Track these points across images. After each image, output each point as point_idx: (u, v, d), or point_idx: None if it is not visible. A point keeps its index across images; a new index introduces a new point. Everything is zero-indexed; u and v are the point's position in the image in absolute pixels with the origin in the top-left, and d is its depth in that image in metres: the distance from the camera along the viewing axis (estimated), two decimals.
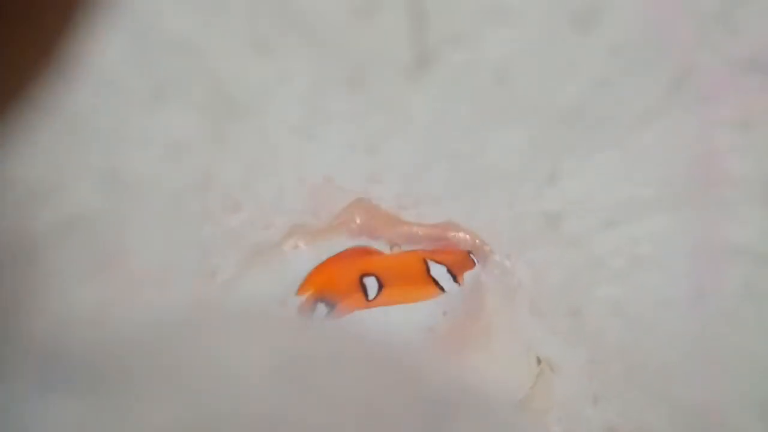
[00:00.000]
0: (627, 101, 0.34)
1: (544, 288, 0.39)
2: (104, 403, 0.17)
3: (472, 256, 0.42)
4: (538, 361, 0.42)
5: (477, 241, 0.42)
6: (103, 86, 0.31)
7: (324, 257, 0.42)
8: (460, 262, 0.42)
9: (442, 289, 0.41)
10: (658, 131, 0.34)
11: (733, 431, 0.36)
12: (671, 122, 0.34)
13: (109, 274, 0.32)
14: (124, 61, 0.31)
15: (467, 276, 0.42)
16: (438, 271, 0.41)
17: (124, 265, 0.33)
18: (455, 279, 0.41)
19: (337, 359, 0.24)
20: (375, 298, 0.40)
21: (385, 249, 0.43)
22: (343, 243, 0.43)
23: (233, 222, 0.37)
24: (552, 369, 0.41)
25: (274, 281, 0.41)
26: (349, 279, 0.41)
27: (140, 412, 0.17)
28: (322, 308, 0.40)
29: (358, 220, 0.42)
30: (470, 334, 0.43)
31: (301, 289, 0.40)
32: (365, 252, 0.42)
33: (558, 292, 0.38)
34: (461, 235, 0.42)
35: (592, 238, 0.38)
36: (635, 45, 0.33)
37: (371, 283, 0.40)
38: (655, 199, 0.36)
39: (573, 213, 0.38)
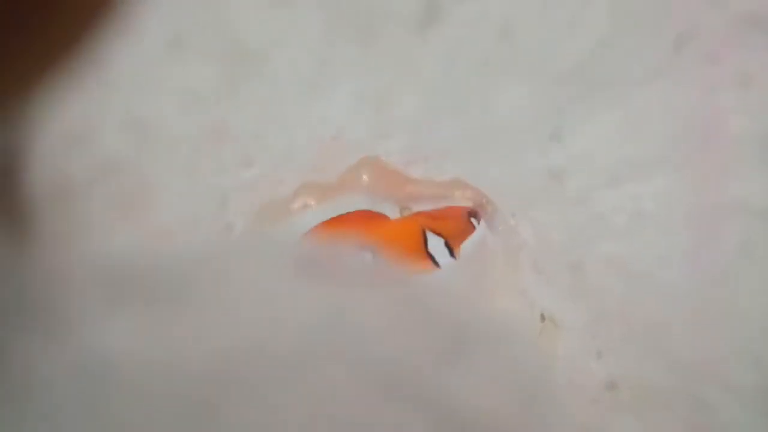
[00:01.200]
0: (629, 61, 0.35)
1: (547, 245, 0.41)
2: (162, 314, 0.19)
3: (473, 220, 0.43)
4: (542, 317, 0.42)
5: (483, 200, 0.42)
6: (123, 34, 0.32)
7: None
8: (460, 229, 0.43)
9: (437, 264, 0.41)
10: (660, 91, 0.35)
11: (728, 382, 0.36)
12: (673, 82, 0.35)
13: (135, 221, 0.33)
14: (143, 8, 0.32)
15: (469, 240, 0.42)
16: (435, 245, 0.42)
17: (148, 214, 0.34)
18: (451, 252, 0.41)
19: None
20: None
21: (394, 210, 0.43)
22: (352, 202, 0.43)
23: (247, 175, 0.38)
24: (556, 325, 0.42)
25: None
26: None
27: (192, 322, 0.19)
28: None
29: (365, 178, 0.43)
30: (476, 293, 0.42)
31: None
32: (368, 217, 0.42)
33: (560, 249, 0.40)
34: (468, 193, 0.42)
35: (594, 196, 0.39)
36: (638, 4, 0.33)
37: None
38: (658, 158, 0.37)
39: (577, 170, 0.38)
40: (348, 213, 0.42)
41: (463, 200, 0.43)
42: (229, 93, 0.36)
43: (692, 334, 0.38)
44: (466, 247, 0.43)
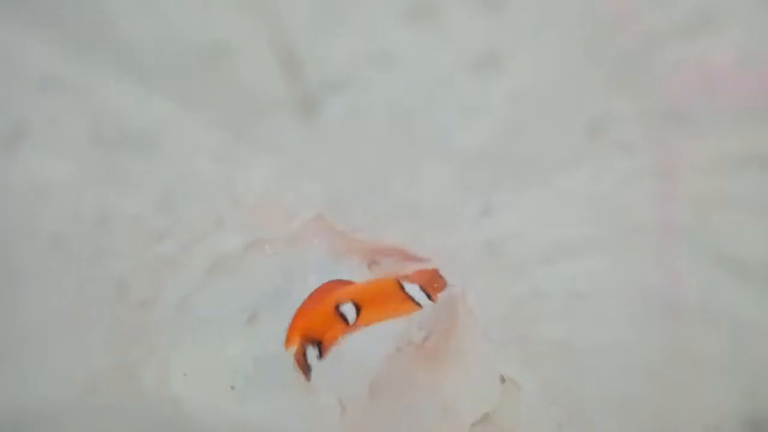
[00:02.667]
0: (544, 146, 0.33)
1: (492, 316, 0.40)
2: None
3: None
4: (502, 379, 0.42)
5: (431, 266, 0.42)
6: None
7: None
8: (432, 281, 0.42)
9: (418, 304, 0.41)
10: (582, 175, 0.33)
11: None
12: (593, 168, 0.33)
13: None
14: None
15: (442, 294, 0.42)
16: (412, 289, 0.41)
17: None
18: (429, 297, 0.41)
19: None
20: (355, 321, 0.41)
21: (361, 265, 0.43)
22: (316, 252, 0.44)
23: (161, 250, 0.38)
24: (517, 387, 0.41)
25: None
26: (326, 313, 0.42)
27: None
28: (312, 352, 0.41)
29: (322, 234, 0.43)
30: (444, 348, 0.44)
31: (288, 341, 0.41)
32: (338, 284, 0.43)
33: (506, 322, 0.38)
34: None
35: (532, 272, 0.38)
36: (542, 91, 0.30)
37: (348, 308, 0.41)
38: (589, 240, 0.35)
39: (511, 246, 0.38)
40: (316, 288, 0.42)
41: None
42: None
43: (649, 406, 0.37)
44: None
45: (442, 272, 0.42)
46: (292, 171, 0.36)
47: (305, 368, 0.40)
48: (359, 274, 0.45)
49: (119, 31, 0.29)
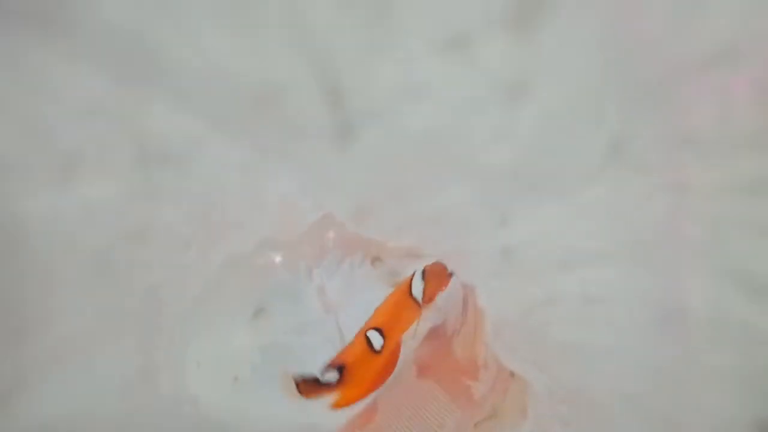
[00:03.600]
0: (565, 165, 0.35)
1: (504, 318, 0.41)
2: None
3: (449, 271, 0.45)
4: (511, 375, 0.45)
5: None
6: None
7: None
8: (437, 278, 0.45)
9: (418, 304, 0.45)
10: (598, 192, 0.36)
11: None
12: (610, 185, 0.35)
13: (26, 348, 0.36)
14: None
15: (444, 293, 0.45)
16: (417, 286, 0.45)
17: (42, 337, 0.36)
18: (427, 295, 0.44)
19: None
20: (381, 348, 0.45)
21: (365, 262, 0.44)
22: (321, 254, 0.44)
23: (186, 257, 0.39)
24: (525, 382, 0.44)
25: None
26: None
27: None
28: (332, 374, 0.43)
29: (330, 233, 0.44)
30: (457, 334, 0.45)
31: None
32: None
33: (517, 324, 0.40)
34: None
35: (546, 277, 0.40)
36: (567, 115, 0.32)
37: (373, 335, 0.45)
38: (602, 251, 0.37)
39: (527, 252, 0.40)
40: None
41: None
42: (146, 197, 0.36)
43: (657, 411, 0.39)
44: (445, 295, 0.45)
45: (455, 273, 0.44)
46: (317, 187, 0.37)
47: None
48: (362, 271, 0.45)
49: (166, 63, 0.31)
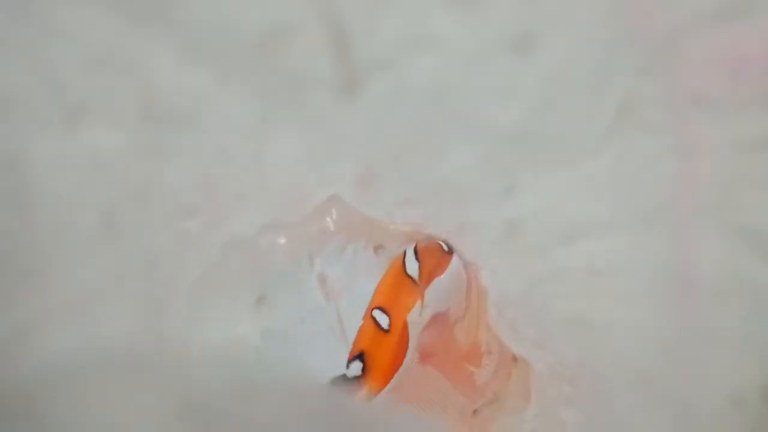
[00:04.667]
0: (574, 126, 0.35)
1: (506, 295, 0.41)
2: None
3: (447, 250, 0.45)
4: (514, 359, 0.45)
5: (444, 245, 0.44)
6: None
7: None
8: (432, 257, 0.45)
9: (414, 281, 0.44)
10: (607, 156, 0.36)
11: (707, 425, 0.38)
12: (619, 148, 0.36)
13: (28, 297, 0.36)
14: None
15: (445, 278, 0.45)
16: (411, 265, 0.44)
17: (45, 289, 0.36)
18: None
19: None
20: (389, 327, 0.44)
21: (368, 249, 0.45)
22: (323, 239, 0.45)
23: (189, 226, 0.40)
24: (528, 365, 0.44)
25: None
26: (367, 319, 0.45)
27: None
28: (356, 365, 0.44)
29: (334, 215, 0.44)
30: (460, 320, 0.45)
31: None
32: None
33: (520, 300, 0.40)
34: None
35: (550, 251, 0.40)
36: (576, 71, 0.33)
37: (379, 314, 0.45)
38: (609, 220, 0.37)
39: (531, 225, 0.40)
40: None
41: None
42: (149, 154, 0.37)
43: (660, 384, 0.40)
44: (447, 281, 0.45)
45: (457, 252, 0.44)
46: (323, 148, 0.38)
47: None
48: (365, 258, 0.46)
49: (173, 8, 0.31)
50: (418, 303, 0.44)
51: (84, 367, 0.35)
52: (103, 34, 0.32)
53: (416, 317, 0.44)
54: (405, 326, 0.44)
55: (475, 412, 0.45)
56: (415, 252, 0.45)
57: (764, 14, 0.31)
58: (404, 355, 0.44)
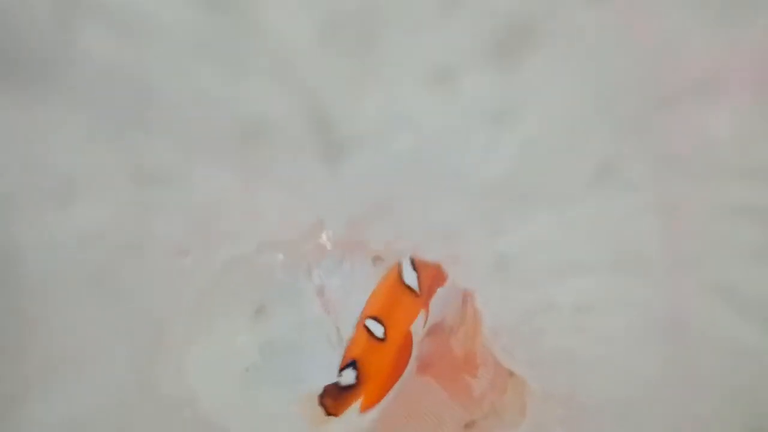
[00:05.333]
0: (555, 180, 0.37)
1: (500, 323, 0.43)
2: None
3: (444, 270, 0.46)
4: (510, 374, 0.47)
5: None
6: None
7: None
8: (433, 272, 0.47)
9: (413, 291, 0.46)
10: (588, 205, 0.38)
11: None
12: (600, 201, 0.37)
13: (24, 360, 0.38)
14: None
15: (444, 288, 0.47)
16: (409, 276, 0.46)
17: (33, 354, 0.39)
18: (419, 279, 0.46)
19: None
20: (384, 336, 0.46)
21: (366, 261, 0.47)
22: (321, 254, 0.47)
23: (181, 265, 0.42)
24: (524, 382, 0.46)
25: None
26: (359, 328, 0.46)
27: None
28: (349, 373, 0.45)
29: (331, 234, 0.46)
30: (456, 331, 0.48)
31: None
32: None
33: (513, 329, 0.42)
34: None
35: (540, 285, 0.42)
36: (554, 136, 0.35)
37: (372, 324, 0.46)
38: (594, 262, 0.39)
39: (520, 261, 0.41)
40: None
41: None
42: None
43: (648, 417, 0.41)
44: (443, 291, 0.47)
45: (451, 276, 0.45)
46: (311, 200, 0.39)
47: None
48: (363, 269, 0.48)
49: (157, 98, 0.33)
50: (422, 314, 0.45)
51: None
52: (91, 122, 0.34)
53: (420, 329, 0.45)
54: (407, 337, 0.46)
55: (472, 424, 0.46)
56: (412, 263, 0.45)
57: (729, 90, 0.32)
58: (405, 366, 0.45)
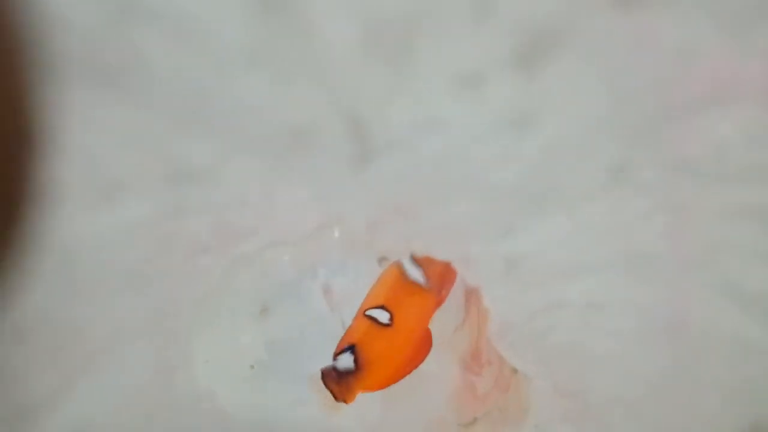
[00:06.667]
0: (567, 184, 0.39)
1: (508, 321, 0.45)
2: None
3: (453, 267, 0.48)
4: (514, 371, 0.49)
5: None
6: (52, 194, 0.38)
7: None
8: (441, 272, 0.49)
9: (418, 284, 0.48)
10: (599, 209, 0.40)
11: None
12: (610, 204, 0.40)
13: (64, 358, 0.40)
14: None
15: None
16: (412, 271, 0.48)
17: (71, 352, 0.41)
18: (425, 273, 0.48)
19: None
20: (390, 322, 0.47)
21: (371, 261, 0.49)
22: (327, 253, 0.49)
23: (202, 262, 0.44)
24: (528, 378, 0.49)
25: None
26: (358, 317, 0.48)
27: None
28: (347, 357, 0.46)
29: (336, 233, 0.48)
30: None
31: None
32: None
33: (521, 327, 0.44)
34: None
35: (549, 285, 0.44)
36: (570, 142, 0.37)
37: (377, 312, 0.48)
38: (603, 262, 0.42)
39: (530, 261, 0.44)
40: None
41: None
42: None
43: (652, 414, 0.43)
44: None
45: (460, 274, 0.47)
46: (332, 201, 0.42)
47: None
48: (369, 269, 0.51)
49: (203, 103, 0.35)
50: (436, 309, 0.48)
51: (107, 424, 0.40)
52: (138, 124, 0.36)
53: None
54: (424, 331, 0.48)
55: (474, 421, 0.49)
56: (414, 260, 0.48)
57: (740, 101, 0.34)
58: (420, 358, 0.48)
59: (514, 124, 0.37)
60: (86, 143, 0.34)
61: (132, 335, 0.43)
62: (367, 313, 0.47)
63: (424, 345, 0.48)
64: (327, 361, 0.48)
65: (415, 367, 0.47)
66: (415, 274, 0.48)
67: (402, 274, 0.48)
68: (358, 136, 0.36)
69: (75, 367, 0.41)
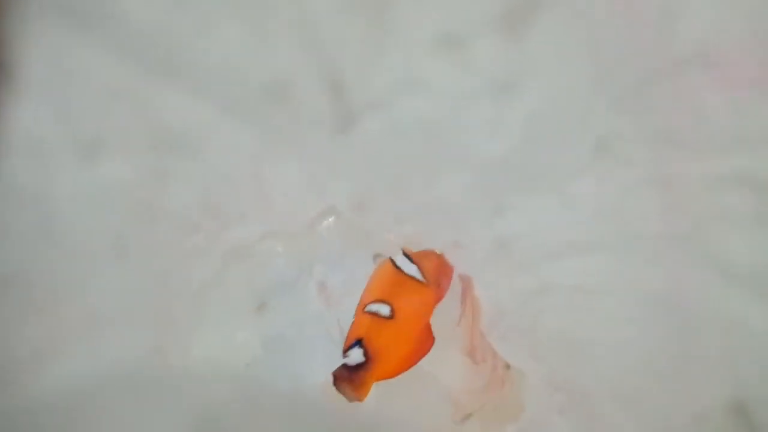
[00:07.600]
0: (555, 158, 0.39)
1: (499, 308, 0.46)
2: None
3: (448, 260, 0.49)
4: (508, 366, 0.49)
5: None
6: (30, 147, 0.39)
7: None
8: (436, 267, 0.48)
9: (414, 278, 0.48)
10: (587, 185, 0.40)
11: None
12: (598, 178, 0.40)
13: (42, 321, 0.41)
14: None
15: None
16: (406, 265, 0.48)
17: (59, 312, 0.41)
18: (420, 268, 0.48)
19: None
20: (391, 314, 0.47)
21: (367, 257, 0.50)
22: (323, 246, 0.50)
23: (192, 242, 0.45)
24: (522, 373, 0.49)
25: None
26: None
27: None
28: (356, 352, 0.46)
29: (331, 223, 0.49)
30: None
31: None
32: None
33: (512, 315, 0.45)
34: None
35: (539, 267, 0.45)
36: (555, 112, 0.37)
37: (378, 307, 0.47)
38: (593, 241, 0.42)
39: (520, 243, 0.44)
40: None
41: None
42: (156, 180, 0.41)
43: (646, 398, 0.43)
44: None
45: (452, 263, 0.48)
46: (319, 174, 0.42)
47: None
48: (364, 265, 0.51)
49: (183, 56, 0.36)
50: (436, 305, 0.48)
51: (94, 390, 0.40)
52: (119, 76, 0.37)
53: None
54: (425, 325, 0.48)
55: (469, 417, 0.48)
56: (408, 256, 0.48)
57: (721, 62, 0.35)
58: (423, 351, 0.48)
59: (498, 89, 0.37)
60: (64, 93, 0.35)
61: (123, 306, 0.43)
62: (368, 308, 0.47)
63: (427, 337, 0.48)
64: (324, 360, 0.49)
65: (420, 358, 0.48)
66: (410, 269, 0.47)
67: (397, 269, 0.48)
68: (337, 97, 0.36)
69: (61, 329, 0.41)
